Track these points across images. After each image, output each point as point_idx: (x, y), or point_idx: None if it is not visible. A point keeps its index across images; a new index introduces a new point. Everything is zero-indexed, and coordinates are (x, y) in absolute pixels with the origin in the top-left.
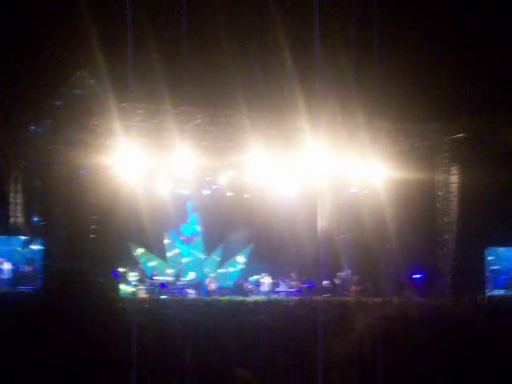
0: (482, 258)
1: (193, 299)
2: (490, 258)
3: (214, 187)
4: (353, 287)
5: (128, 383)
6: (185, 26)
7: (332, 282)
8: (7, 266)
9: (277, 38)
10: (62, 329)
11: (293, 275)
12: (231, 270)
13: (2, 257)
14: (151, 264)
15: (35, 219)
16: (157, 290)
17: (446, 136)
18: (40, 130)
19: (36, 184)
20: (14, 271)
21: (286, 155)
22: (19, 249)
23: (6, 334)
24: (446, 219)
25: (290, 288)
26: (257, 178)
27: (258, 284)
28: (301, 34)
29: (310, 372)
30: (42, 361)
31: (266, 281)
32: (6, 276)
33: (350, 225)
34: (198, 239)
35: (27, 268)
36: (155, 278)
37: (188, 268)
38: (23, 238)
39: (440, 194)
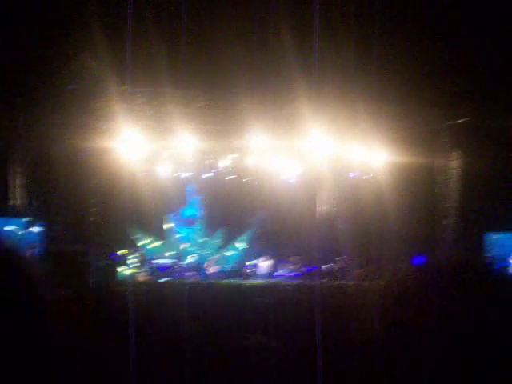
0: (481, 244)
1: (192, 282)
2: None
3: (214, 170)
4: (353, 271)
5: (127, 366)
6: (185, 8)
7: (332, 266)
8: None
9: (278, 20)
10: (62, 313)
11: (293, 259)
12: (231, 253)
13: None
14: (151, 247)
15: (35, 202)
16: (156, 272)
17: (447, 121)
18: (40, 112)
19: (36, 167)
20: None
21: (287, 139)
22: (20, 232)
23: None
24: (445, 204)
25: (290, 272)
26: (257, 162)
27: (257, 267)
28: (301, 16)
29: (308, 355)
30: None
31: (266, 264)
32: None
33: (350, 209)
34: (198, 222)
35: (29, 252)
36: (155, 261)
37: (187, 251)
38: (24, 220)
39: (440, 178)
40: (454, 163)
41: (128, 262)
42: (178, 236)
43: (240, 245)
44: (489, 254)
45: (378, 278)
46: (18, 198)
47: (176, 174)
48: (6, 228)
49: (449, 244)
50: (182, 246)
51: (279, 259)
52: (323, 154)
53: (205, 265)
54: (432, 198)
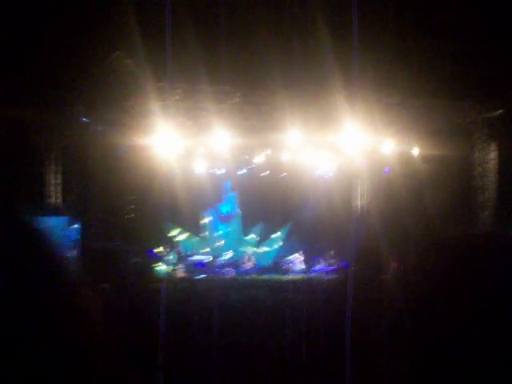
0: None
1: (230, 278)
2: None
3: (250, 166)
4: (391, 265)
5: (162, 361)
6: (222, 4)
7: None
8: None
9: (314, 14)
10: (100, 310)
11: (330, 254)
12: (269, 248)
13: None
14: (189, 243)
15: (72, 200)
16: (193, 269)
17: (484, 113)
18: (78, 110)
19: (73, 165)
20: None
21: (323, 134)
22: (58, 230)
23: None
24: (485, 196)
25: (327, 267)
26: (293, 157)
27: (294, 263)
28: (338, 10)
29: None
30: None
31: (302, 260)
32: None
33: (386, 204)
34: (236, 218)
35: (68, 250)
36: (191, 257)
37: (225, 247)
38: (62, 218)
39: (478, 171)
40: (490, 155)
41: (165, 258)
42: (214, 232)
43: (277, 240)
44: None
45: (414, 274)
46: (55, 196)
47: (212, 170)
48: (45, 226)
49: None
50: (218, 243)
51: (316, 254)
52: (359, 149)
53: (241, 261)
54: (469, 191)
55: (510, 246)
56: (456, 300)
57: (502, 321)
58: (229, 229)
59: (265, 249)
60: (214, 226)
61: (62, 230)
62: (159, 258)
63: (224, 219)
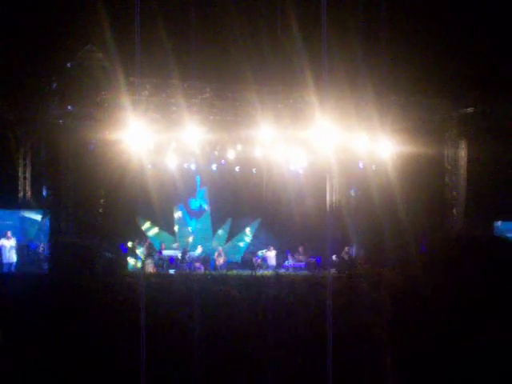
0: (490, 232)
1: (201, 273)
2: None
3: (222, 161)
4: (361, 261)
5: (137, 357)
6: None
7: (340, 257)
8: (13, 242)
9: (284, 9)
10: (70, 304)
11: (301, 249)
12: (239, 244)
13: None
14: (159, 238)
15: (43, 194)
16: (165, 264)
17: (455, 110)
18: (48, 104)
19: (44, 159)
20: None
21: (294, 129)
22: (32, 224)
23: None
24: (454, 193)
25: (298, 262)
26: (265, 153)
27: (265, 258)
28: (309, 6)
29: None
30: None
31: (274, 255)
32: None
33: (358, 199)
34: (206, 213)
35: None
36: (163, 252)
37: (196, 242)
38: (36, 212)
39: (449, 168)
40: (461, 152)
41: (136, 253)
42: (186, 227)
43: (247, 236)
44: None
45: (386, 267)
46: (23, 190)
47: (184, 165)
48: (15, 220)
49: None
50: (188, 238)
51: (287, 249)
52: (331, 144)
53: (212, 256)
54: (440, 187)
55: (477, 249)
56: (421, 296)
57: (474, 324)
58: (199, 224)
59: (235, 244)
60: (184, 222)
61: (31, 223)
62: (130, 253)
63: (194, 214)
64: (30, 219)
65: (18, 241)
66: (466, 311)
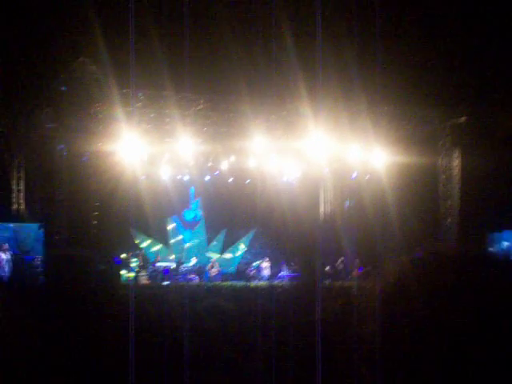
0: (483, 242)
1: (195, 285)
2: None
3: (216, 173)
4: (355, 272)
5: (129, 368)
6: (186, 12)
7: (334, 267)
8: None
9: (278, 22)
10: (63, 316)
11: (295, 260)
12: (234, 255)
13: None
14: (153, 250)
15: (37, 206)
16: (159, 276)
17: (448, 120)
18: (42, 116)
19: (38, 171)
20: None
21: (288, 140)
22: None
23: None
24: (448, 203)
25: (293, 273)
26: (259, 164)
27: (260, 269)
28: (302, 18)
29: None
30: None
31: (268, 265)
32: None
33: (351, 210)
34: (201, 225)
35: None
36: (157, 264)
37: (190, 253)
38: (30, 224)
39: (442, 177)
40: (454, 162)
41: (130, 264)
42: (180, 238)
43: (242, 247)
44: (491, 251)
45: (379, 278)
46: (17, 202)
47: (178, 177)
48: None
49: (451, 242)
50: (184, 249)
51: (281, 260)
52: (325, 154)
53: (208, 267)
54: (434, 197)
55: (472, 261)
56: (416, 307)
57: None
58: (193, 235)
59: (229, 255)
60: (178, 233)
61: (25, 236)
62: (124, 265)
63: (188, 225)
64: (25, 230)
65: (12, 253)
66: (457, 321)
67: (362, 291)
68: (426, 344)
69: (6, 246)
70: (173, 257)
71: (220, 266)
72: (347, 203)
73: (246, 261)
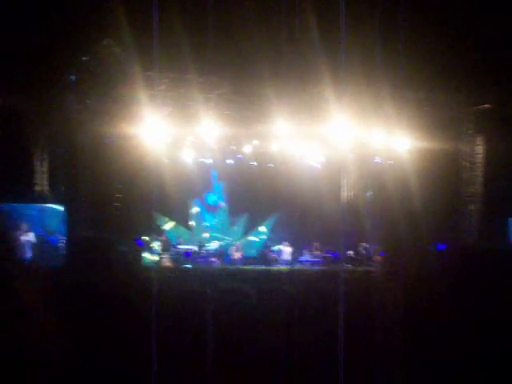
0: (506, 229)
1: (217, 268)
2: None
3: (238, 156)
4: (377, 257)
5: (150, 353)
6: None
7: (356, 252)
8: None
9: (301, 6)
10: (86, 299)
11: (316, 245)
12: (255, 239)
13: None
14: (175, 233)
15: (60, 188)
16: (181, 258)
17: (472, 106)
18: (66, 98)
19: (61, 153)
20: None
21: (311, 124)
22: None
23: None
24: (470, 190)
25: (314, 257)
26: (281, 148)
27: (281, 253)
28: (326, 2)
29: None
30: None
31: (289, 250)
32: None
33: (374, 195)
34: (223, 208)
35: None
36: (179, 246)
37: (212, 237)
38: (50, 205)
39: (465, 164)
40: (478, 148)
41: (152, 247)
42: (202, 221)
43: (264, 230)
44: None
45: (400, 265)
46: (41, 183)
47: (200, 160)
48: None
49: (473, 229)
50: (206, 232)
51: (303, 245)
52: (348, 139)
53: (230, 250)
54: (456, 183)
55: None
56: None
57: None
58: (215, 218)
59: (251, 239)
60: (200, 216)
61: (48, 217)
62: (146, 247)
63: (210, 209)
64: (51, 210)
65: (37, 234)
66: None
67: (384, 277)
68: (447, 334)
69: (26, 226)
70: (195, 240)
71: (242, 250)
72: (368, 194)
73: (267, 245)
